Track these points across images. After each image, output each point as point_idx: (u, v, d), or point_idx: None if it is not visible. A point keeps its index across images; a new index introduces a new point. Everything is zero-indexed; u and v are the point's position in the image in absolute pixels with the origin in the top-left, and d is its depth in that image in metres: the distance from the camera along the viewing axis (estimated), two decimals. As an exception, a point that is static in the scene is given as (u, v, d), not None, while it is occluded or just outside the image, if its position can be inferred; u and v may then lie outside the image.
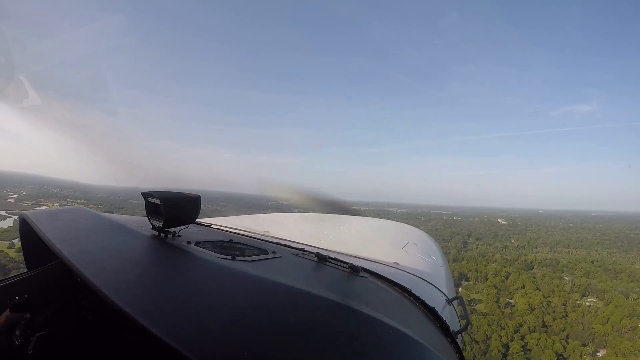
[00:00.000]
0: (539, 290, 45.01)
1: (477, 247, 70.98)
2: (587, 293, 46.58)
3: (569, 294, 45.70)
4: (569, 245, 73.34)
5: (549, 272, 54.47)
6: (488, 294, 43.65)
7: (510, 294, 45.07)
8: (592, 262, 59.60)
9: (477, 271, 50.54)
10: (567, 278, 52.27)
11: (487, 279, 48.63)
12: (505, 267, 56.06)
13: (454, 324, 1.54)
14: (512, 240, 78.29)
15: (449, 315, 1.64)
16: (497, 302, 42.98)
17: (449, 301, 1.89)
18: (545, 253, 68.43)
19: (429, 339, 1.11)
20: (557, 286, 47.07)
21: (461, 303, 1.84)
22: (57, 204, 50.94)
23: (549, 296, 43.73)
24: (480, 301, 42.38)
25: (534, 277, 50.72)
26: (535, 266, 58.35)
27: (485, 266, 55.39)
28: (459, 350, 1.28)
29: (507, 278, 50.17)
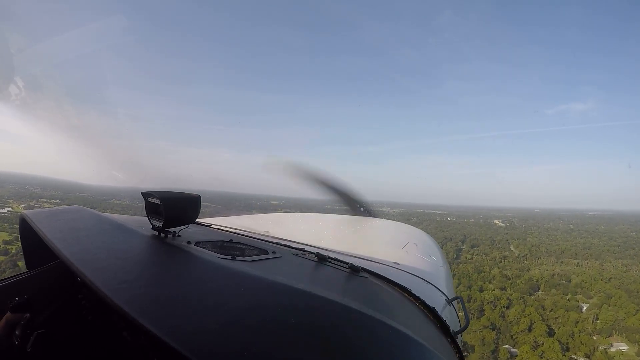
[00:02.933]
0: (553, 336, 33.75)
1: (472, 258, 60.31)
2: (614, 332, 35.61)
3: (591, 335, 34.64)
4: (576, 255, 63.05)
5: (561, 296, 43.56)
6: (483, 338, 32.32)
7: (513, 338, 33.80)
8: (609, 279, 49.35)
9: (470, 300, 39.28)
10: (584, 306, 41.37)
11: (483, 311, 37.41)
12: (505, 289, 45.25)
13: (454, 324, 1.53)
14: (512, 248, 68.08)
15: (449, 315, 1.62)
16: (494, 352, 31.66)
17: (449, 301, 1.85)
18: (552, 265, 58.10)
19: (429, 339, 1.10)
20: (576, 324, 35.96)
21: (461, 303, 1.82)
22: (23, 205, 47.22)
23: (567, 346, 32.47)
24: (473, 348, 31.01)
25: (543, 308, 39.69)
26: (542, 286, 47.57)
27: (482, 288, 44.44)
28: (459, 350, 1.27)
29: (508, 307, 39.12)
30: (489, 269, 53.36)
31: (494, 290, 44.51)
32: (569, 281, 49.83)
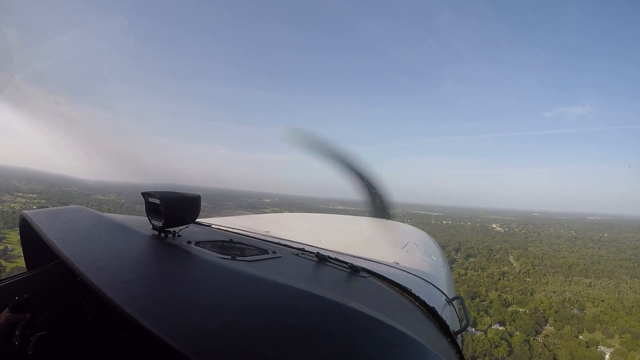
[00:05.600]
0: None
1: (465, 274, 51.00)
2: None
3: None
4: (586, 271, 54.05)
5: (577, 341, 34.02)
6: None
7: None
8: (631, 308, 40.21)
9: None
10: (607, 353, 31.95)
11: (476, 365, 27.81)
12: (504, 323, 35.83)
13: (454, 324, 1.53)
14: (511, 260, 59.17)
15: (449, 315, 1.62)
16: None
17: (449, 301, 1.86)
18: (560, 285, 48.97)
19: (429, 339, 1.10)
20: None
21: (461, 303, 1.81)
22: (-6, 200, 45.69)
23: None
24: None
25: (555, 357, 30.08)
26: (551, 319, 38.18)
27: (475, 322, 35.04)
28: (459, 350, 1.27)
29: (509, 354, 29.64)
30: (486, 292, 44.06)
31: (490, 326, 35.01)
32: (583, 310, 40.65)
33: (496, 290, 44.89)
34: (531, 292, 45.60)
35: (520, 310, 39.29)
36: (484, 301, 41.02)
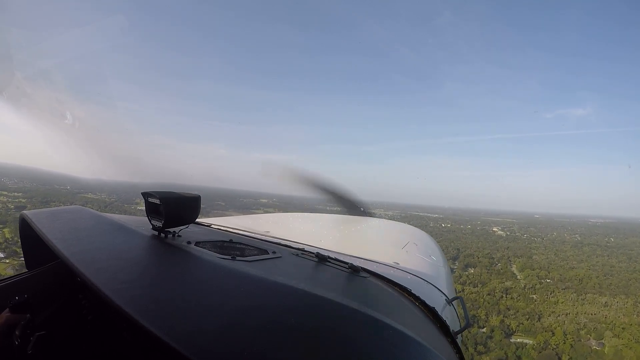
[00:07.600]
0: None
1: (463, 290, 44.30)
2: None
3: None
4: (600, 287, 47.53)
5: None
6: None
7: None
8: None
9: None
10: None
11: None
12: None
13: (454, 324, 1.53)
14: (515, 270, 52.76)
15: (449, 315, 1.62)
16: None
17: (449, 301, 1.86)
18: (572, 305, 42.45)
19: (429, 339, 1.11)
20: None
21: (461, 303, 1.80)
22: (-28, 199, 44.86)
23: None
24: None
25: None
26: (565, 356, 31.76)
27: (473, 356, 28.59)
28: (459, 350, 1.28)
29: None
30: (486, 315, 37.44)
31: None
32: (602, 340, 34.08)
33: (498, 313, 38.24)
34: (539, 316, 38.95)
35: (528, 343, 32.63)
36: (483, 328, 34.48)
